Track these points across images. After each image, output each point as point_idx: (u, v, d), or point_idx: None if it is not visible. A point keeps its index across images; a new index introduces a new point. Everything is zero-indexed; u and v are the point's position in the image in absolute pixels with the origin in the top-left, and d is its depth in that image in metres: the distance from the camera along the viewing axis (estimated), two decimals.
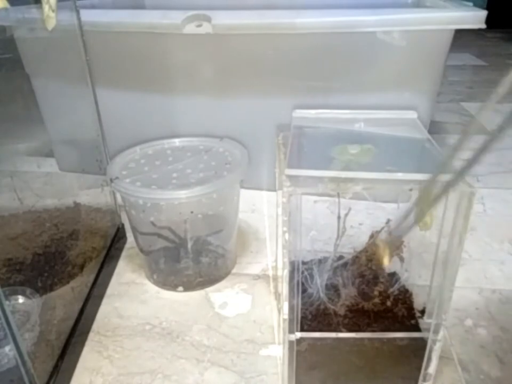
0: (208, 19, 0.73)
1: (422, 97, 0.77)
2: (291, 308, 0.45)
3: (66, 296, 0.62)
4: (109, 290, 0.67)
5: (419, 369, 0.48)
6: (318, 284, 0.50)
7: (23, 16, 0.70)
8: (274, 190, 0.82)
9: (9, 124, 0.77)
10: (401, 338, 0.47)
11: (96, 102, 0.69)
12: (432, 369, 0.47)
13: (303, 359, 0.48)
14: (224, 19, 0.73)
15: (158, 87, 0.85)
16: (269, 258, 0.73)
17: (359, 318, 0.49)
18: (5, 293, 0.57)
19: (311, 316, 0.49)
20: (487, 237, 0.76)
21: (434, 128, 1.21)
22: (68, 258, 0.67)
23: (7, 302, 0.43)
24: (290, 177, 0.41)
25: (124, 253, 0.75)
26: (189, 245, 0.68)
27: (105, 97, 0.75)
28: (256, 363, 0.54)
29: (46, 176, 0.95)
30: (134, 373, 0.54)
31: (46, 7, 0.54)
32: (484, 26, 0.69)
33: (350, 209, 0.49)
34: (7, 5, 0.50)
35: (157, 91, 0.85)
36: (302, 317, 0.48)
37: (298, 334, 0.47)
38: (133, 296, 0.66)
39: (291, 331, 0.46)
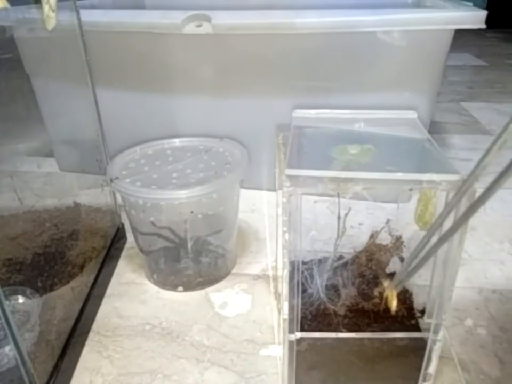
0: (208, 19, 0.73)
1: (422, 97, 0.77)
2: (291, 308, 0.45)
3: (66, 296, 0.62)
4: (109, 290, 0.67)
5: (419, 369, 0.48)
6: (318, 284, 0.50)
7: (23, 16, 0.70)
8: (274, 190, 0.82)
9: (9, 124, 0.77)
10: (401, 338, 0.47)
11: (96, 102, 0.69)
12: (432, 369, 0.47)
13: (303, 359, 0.48)
14: (224, 19, 0.73)
15: (158, 87, 0.85)
16: (269, 258, 0.73)
17: (359, 318, 0.49)
18: (5, 293, 0.57)
19: (311, 316, 0.49)
20: (487, 237, 0.76)
21: (434, 128, 1.21)
22: (67, 258, 0.67)
23: (7, 302, 0.43)
24: (290, 177, 0.41)
25: (123, 253, 0.75)
26: (189, 245, 0.68)
27: (105, 97, 0.75)
28: (256, 363, 0.54)
29: (46, 176, 0.95)
30: (134, 373, 0.54)
31: (46, 7, 0.54)
32: (483, 26, 0.69)
33: (350, 209, 0.49)
34: (7, 5, 0.50)
35: (157, 91, 0.85)
36: (302, 317, 0.48)
37: (298, 334, 0.47)
38: (133, 296, 0.66)
39: (291, 331, 0.46)
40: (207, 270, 0.68)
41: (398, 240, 0.52)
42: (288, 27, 0.72)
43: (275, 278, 0.68)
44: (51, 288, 0.62)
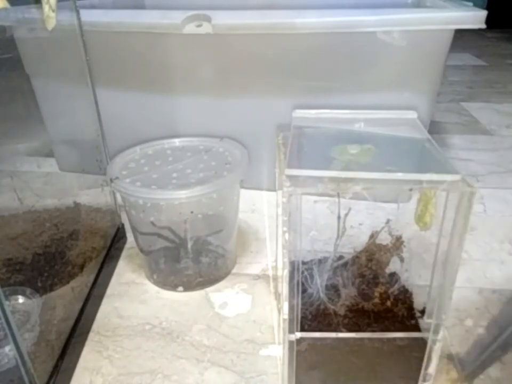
0: (208, 19, 0.73)
1: (422, 97, 0.77)
2: (291, 308, 0.45)
3: (66, 296, 0.62)
4: (109, 290, 0.67)
5: (419, 369, 0.48)
6: (318, 284, 0.50)
7: (23, 16, 0.70)
8: (274, 190, 0.82)
9: (9, 124, 0.77)
10: (401, 338, 0.47)
11: (96, 102, 0.69)
12: (432, 369, 0.47)
13: (303, 359, 0.48)
14: (224, 19, 0.73)
15: (158, 87, 0.85)
16: (269, 258, 0.73)
17: (359, 318, 0.49)
18: (5, 293, 0.57)
19: (311, 316, 0.49)
20: (487, 237, 0.76)
21: (434, 128, 1.21)
22: (68, 258, 0.67)
23: (7, 302, 0.43)
24: (290, 177, 0.41)
25: (124, 253, 0.75)
26: (189, 245, 0.68)
27: (105, 97, 0.75)
28: (256, 363, 0.54)
29: (46, 176, 0.95)
30: (134, 373, 0.54)
31: (46, 7, 0.54)
32: (483, 26, 0.69)
33: (350, 209, 0.49)
34: (7, 5, 0.50)
35: (157, 91, 0.85)
36: (302, 317, 0.48)
37: (298, 334, 0.47)
38: (133, 296, 0.66)
39: (291, 331, 0.46)
40: (207, 270, 0.68)
41: (398, 240, 0.52)
42: (288, 27, 0.72)
43: (275, 278, 0.68)
44: (51, 288, 0.62)
